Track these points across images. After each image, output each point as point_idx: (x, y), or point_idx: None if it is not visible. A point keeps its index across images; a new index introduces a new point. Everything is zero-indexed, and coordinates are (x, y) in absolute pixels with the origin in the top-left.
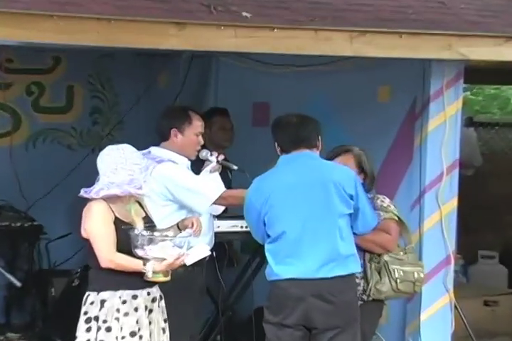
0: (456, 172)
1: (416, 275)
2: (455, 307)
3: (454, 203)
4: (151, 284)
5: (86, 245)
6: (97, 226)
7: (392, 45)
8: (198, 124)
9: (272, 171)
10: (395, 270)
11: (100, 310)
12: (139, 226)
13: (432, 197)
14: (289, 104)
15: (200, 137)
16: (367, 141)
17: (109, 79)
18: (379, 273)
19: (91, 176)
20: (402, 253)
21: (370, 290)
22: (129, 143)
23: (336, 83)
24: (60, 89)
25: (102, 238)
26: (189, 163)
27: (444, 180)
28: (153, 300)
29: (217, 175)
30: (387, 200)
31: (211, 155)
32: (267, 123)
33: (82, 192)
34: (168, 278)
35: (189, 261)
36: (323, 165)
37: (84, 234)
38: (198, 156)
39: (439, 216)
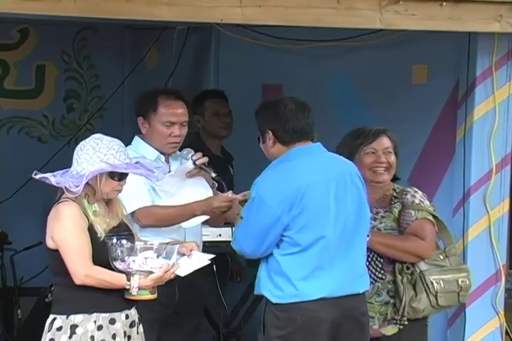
0: (507, 169)
1: (460, 282)
2: (506, 333)
3: (504, 207)
4: (129, 305)
5: (51, 258)
6: (69, 234)
7: (431, 15)
8: (164, 112)
9: (290, 168)
10: (434, 281)
11: (70, 337)
12: (100, 229)
13: (478, 199)
14: (305, 85)
15: (176, 128)
16: (398, 130)
17: (87, 57)
18: (414, 287)
19: None
20: (441, 256)
21: (404, 309)
22: (111, 134)
23: (362, 61)
24: (28, 68)
25: (76, 248)
26: (162, 156)
27: (492, 179)
28: (132, 324)
29: (199, 181)
30: (418, 194)
31: (192, 155)
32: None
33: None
34: (155, 296)
35: (183, 272)
36: (338, 158)
37: (50, 243)
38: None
39: (487, 222)
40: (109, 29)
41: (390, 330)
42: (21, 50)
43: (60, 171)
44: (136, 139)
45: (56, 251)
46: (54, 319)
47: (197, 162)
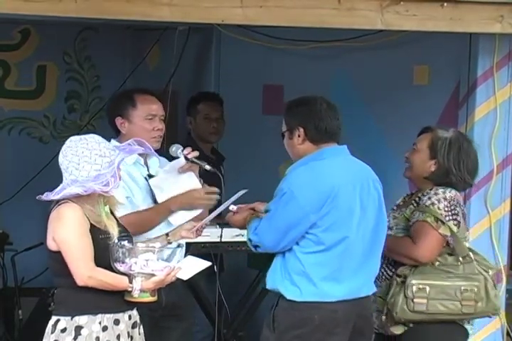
0: (508, 170)
1: (462, 290)
2: (507, 334)
3: (505, 208)
4: (131, 306)
5: (52, 259)
6: (71, 236)
7: (432, 15)
8: (145, 106)
9: (323, 166)
10: (415, 286)
11: (76, 338)
12: (114, 233)
13: (479, 200)
14: (306, 86)
15: (157, 121)
16: (399, 131)
17: (88, 58)
18: (400, 288)
19: None
20: (457, 263)
21: (384, 307)
22: (111, 135)
23: (363, 62)
24: (29, 69)
25: (78, 250)
26: (141, 159)
27: (493, 179)
28: (134, 325)
29: (190, 176)
30: (436, 197)
31: (182, 150)
32: (280, 110)
33: (43, 196)
34: (155, 298)
35: (185, 275)
36: (361, 162)
37: (52, 245)
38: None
39: (488, 223)
40: (110, 30)
41: (399, 329)
42: (22, 51)
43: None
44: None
45: (57, 253)
46: (57, 320)
47: (188, 156)
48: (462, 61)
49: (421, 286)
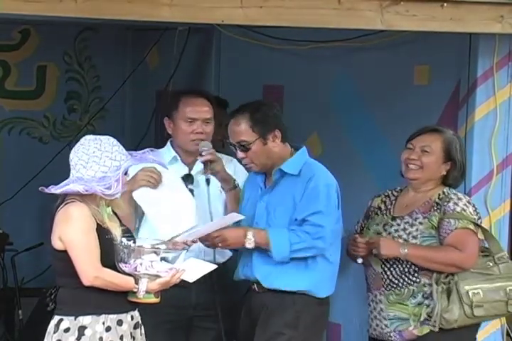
0: (508, 170)
1: (508, 291)
2: (507, 334)
3: (505, 208)
4: (133, 307)
5: (58, 259)
6: (79, 236)
7: (432, 16)
8: (185, 109)
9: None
10: (470, 292)
11: (79, 338)
12: (116, 234)
13: (479, 200)
14: (306, 86)
15: (198, 125)
16: (400, 131)
17: (88, 58)
18: (448, 296)
19: (67, 174)
20: (491, 264)
21: (436, 319)
22: (112, 135)
23: (363, 62)
24: (29, 69)
25: (85, 250)
26: (177, 157)
27: (493, 179)
28: (136, 326)
29: (174, 184)
30: (462, 202)
31: (207, 150)
32: (280, 110)
33: (46, 189)
34: (158, 300)
35: (191, 277)
36: None
37: (57, 244)
38: None
39: (488, 223)
40: (110, 30)
41: (423, 330)
42: (22, 51)
43: (63, 184)
44: (167, 145)
45: (63, 252)
46: (60, 320)
47: (204, 157)
48: (462, 61)
49: (475, 291)
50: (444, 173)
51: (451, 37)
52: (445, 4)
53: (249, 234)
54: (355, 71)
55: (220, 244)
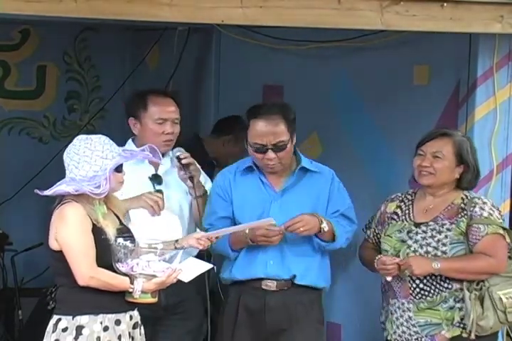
0: (508, 170)
1: None
2: (507, 334)
3: (505, 208)
4: (132, 306)
5: (54, 259)
6: (74, 236)
7: (432, 16)
8: (154, 109)
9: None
10: (503, 297)
11: (76, 338)
12: (110, 233)
13: None
14: (306, 86)
15: (168, 125)
16: (400, 131)
17: (88, 58)
18: (481, 303)
19: None
20: None
21: (472, 327)
22: (112, 135)
23: (363, 62)
24: (28, 69)
25: (80, 250)
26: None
27: (493, 180)
28: (135, 325)
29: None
30: (487, 206)
31: (182, 154)
32: None
33: (40, 192)
34: (155, 300)
35: (186, 277)
36: None
37: (54, 245)
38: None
39: None
40: (110, 30)
41: (453, 332)
42: (22, 51)
43: (55, 186)
44: (128, 143)
45: (59, 252)
46: (59, 319)
47: (183, 160)
48: (462, 61)
49: (508, 296)
50: (458, 176)
51: (451, 37)
52: (445, 4)
53: (324, 221)
54: (354, 71)
55: (301, 229)
